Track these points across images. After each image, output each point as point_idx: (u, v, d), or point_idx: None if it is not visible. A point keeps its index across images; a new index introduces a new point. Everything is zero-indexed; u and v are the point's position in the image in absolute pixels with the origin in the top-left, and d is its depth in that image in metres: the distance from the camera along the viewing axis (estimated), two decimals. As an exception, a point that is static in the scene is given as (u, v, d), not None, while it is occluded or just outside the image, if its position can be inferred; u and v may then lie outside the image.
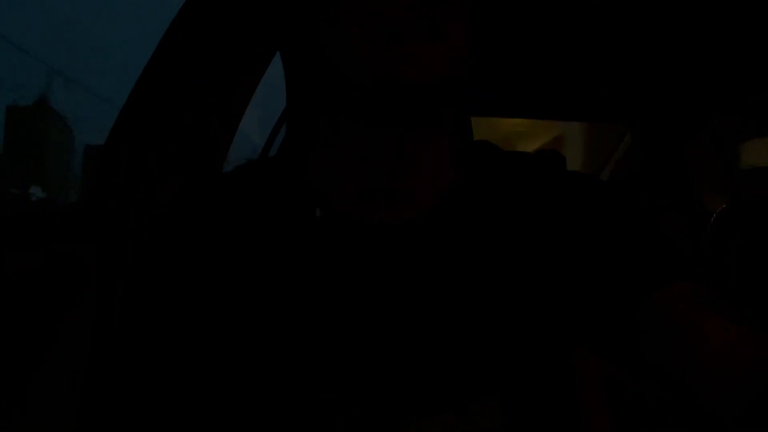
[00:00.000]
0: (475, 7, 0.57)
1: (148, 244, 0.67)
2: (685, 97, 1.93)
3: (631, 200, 0.61)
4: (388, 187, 0.59)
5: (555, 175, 0.63)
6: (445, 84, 0.54)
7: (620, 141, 2.39)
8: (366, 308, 0.55)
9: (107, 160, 0.93)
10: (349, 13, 0.53)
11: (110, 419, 0.58)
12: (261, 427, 0.54)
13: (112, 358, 0.60)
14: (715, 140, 2.12)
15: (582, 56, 1.67)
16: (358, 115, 0.57)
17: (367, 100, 0.55)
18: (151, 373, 0.58)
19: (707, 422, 0.52)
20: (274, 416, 0.54)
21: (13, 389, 0.61)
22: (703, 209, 2.16)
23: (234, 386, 0.55)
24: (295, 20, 0.58)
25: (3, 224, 0.71)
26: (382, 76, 0.52)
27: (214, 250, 0.58)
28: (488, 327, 0.55)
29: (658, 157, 2.15)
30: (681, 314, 0.53)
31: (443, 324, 0.55)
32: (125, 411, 0.58)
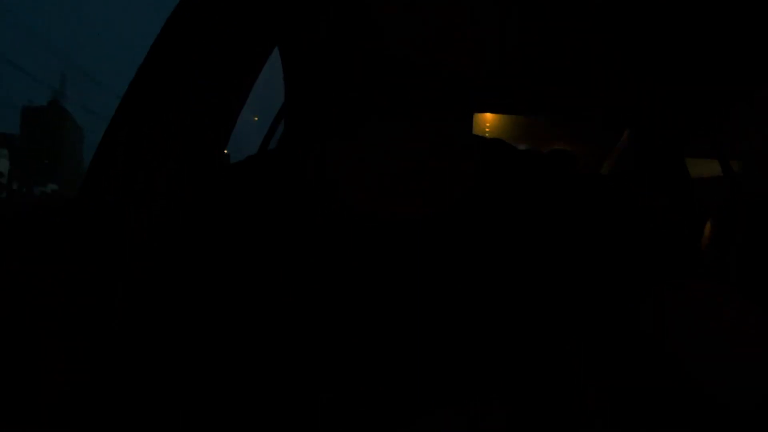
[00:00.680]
0: None
1: (147, 241, 0.67)
2: (685, 96, 1.93)
3: (632, 200, 0.61)
4: (406, 182, 0.58)
5: (564, 174, 0.63)
6: (484, 72, 0.54)
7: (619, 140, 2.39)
8: (366, 306, 0.55)
9: (105, 154, 0.93)
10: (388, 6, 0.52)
11: (111, 419, 0.58)
12: (261, 427, 0.54)
13: (112, 358, 0.60)
14: (715, 138, 2.12)
15: (582, 56, 1.67)
16: (379, 108, 0.56)
17: (399, 92, 0.54)
18: (151, 373, 0.58)
19: (713, 417, 0.52)
20: (274, 416, 0.54)
21: (13, 389, 0.61)
22: (702, 208, 2.17)
23: (234, 385, 0.55)
24: (298, 17, 0.58)
25: (3, 224, 0.71)
26: (430, 65, 0.51)
27: (214, 247, 0.58)
28: (492, 325, 0.55)
29: (657, 157, 2.15)
30: (685, 311, 0.53)
31: (446, 322, 0.55)
32: (126, 410, 0.58)
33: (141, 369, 0.58)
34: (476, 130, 0.65)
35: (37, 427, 0.60)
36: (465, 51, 0.52)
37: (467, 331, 0.55)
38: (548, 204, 0.60)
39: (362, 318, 0.55)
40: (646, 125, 2.09)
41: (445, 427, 0.53)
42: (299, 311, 0.55)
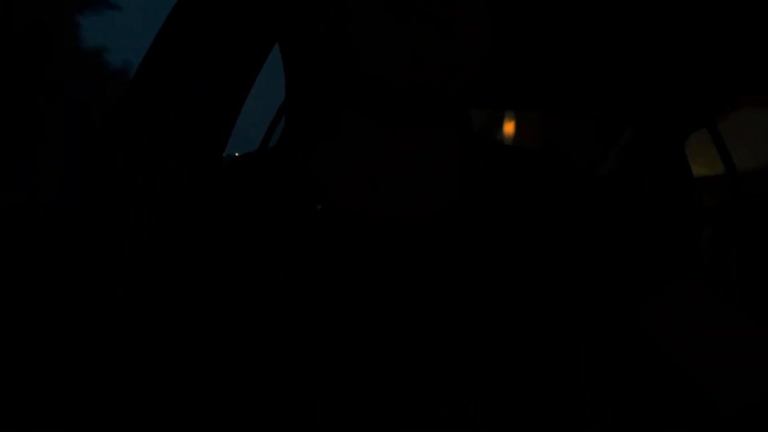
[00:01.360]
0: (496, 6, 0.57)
1: (147, 241, 0.67)
2: (685, 96, 1.92)
3: (631, 200, 0.61)
4: (395, 184, 0.58)
5: (557, 173, 0.63)
6: (459, 84, 0.54)
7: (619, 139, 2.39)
8: (366, 306, 0.55)
9: (105, 154, 0.93)
10: (362, 14, 0.52)
11: (111, 418, 0.58)
12: (261, 427, 0.54)
13: (112, 358, 0.60)
14: (716, 137, 2.12)
15: (582, 56, 1.67)
16: (368, 112, 0.57)
17: (377, 100, 0.54)
18: (151, 372, 0.58)
19: (713, 417, 0.52)
20: (274, 415, 0.54)
21: (14, 389, 0.61)
22: (702, 208, 2.16)
23: (234, 385, 0.55)
24: (297, 17, 0.58)
25: (3, 224, 0.71)
26: (396, 80, 0.52)
27: (213, 245, 0.58)
28: (489, 326, 0.55)
29: (657, 156, 2.14)
30: (684, 311, 0.53)
31: (444, 322, 0.55)
32: (126, 410, 0.58)
33: (141, 369, 0.58)
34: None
35: (37, 427, 0.60)
36: (439, 69, 0.52)
37: (466, 331, 0.55)
38: (540, 203, 0.60)
39: (362, 317, 0.55)
40: (647, 125, 2.09)
41: (446, 426, 0.53)
42: (299, 310, 0.55)
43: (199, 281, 0.58)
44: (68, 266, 0.68)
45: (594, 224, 0.59)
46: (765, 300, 0.61)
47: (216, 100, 1.10)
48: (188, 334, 0.57)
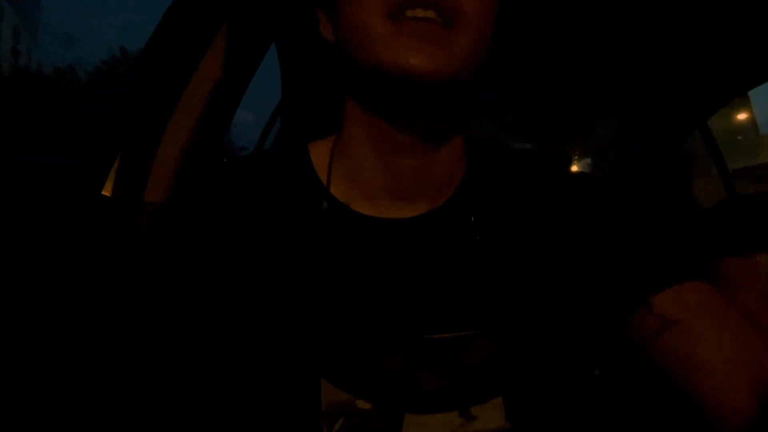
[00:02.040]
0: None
1: (147, 241, 0.67)
2: (683, 96, 1.93)
3: (633, 201, 0.61)
4: (395, 184, 0.58)
5: (560, 174, 0.63)
6: (461, 80, 0.54)
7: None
8: (370, 304, 0.55)
9: (104, 155, 0.93)
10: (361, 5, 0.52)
11: (111, 417, 0.58)
12: (262, 424, 0.54)
13: (113, 357, 0.60)
14: (708, 138, 2.12)
15: (582, 56, 1.67)
16: (370, 108, 0.56)
17: (380, 95, 0.54)
18: (150, 372, 0.58)
19: (712, 417, 0.52)
20: (275, 413, 0.54)
21: (14, 389, 0.61)
22: (699, 207, 2.17)
23: (235, 382, 0.55)
24: (296, 15, 0.58)
25: (3, 225, 0.71)
26: (398, 73, 0.51)
27: (212, 245, 0.58)
28: (491, 325, 0.55)
29: (655, 156, 2.15)
30: (683, 317, 0.53)
31: (446, 320, 0.55)
32: (125, 410, 0.58)
33: (140, 369, 0.58)
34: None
35: (37, 427, 0.60)
36: (438, 60, 0.51)
37: (470, 329, 0.55)
38: (542, 204, 0.60)
39: (366, 314, 0.55)
40: (646, 125, 2.09)
41: (447, 425, 0.53)
42: (302, 307, 0.55)
43: (199, 282, 0.58)
44: (68, 266, 0.68)
45: (597, 225, 0.59)
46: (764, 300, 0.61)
47: (212, 99, 1.10)
48: (188, 334, 0.57)
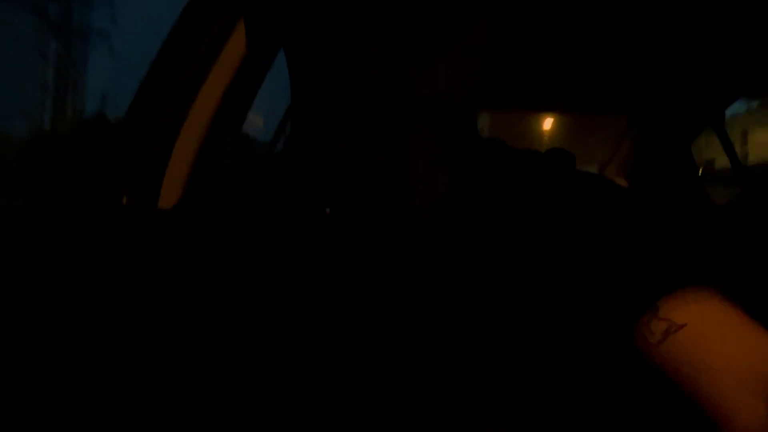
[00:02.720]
0: (504, 14, 0.54)
1: (147, 243, 0.67)
2: (688, 94, 1.92)
3: (638, 202, 0.61)
4: (393, 188, 0.58)
5: (564, 174, 0.62)
6: (462, 95, 0.53)
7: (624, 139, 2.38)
8: (363, 310, 0.55)
9: (108, 158, 0.94)
10: (359, 19, 0.50)
11: (110, 419, 0.58)
12: (260, 428, 0.54)
13: (112, 358, 0.60)
14: (723, 137, 2.11)
15: (582, 56, 1.67)
16: (364, 113, 0.56)
17: (373, 104, 0.54)
18: (151, 373, 0.58)
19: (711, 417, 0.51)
20: (274, 418, 0.54)
21: (14, 389, 0.62)
22: (709, 206, 2.16)
23: (233, 387, 0.55)
24: (297, 16, 0.57)
25: (4, 226, 0.71)
26: (392, 89, 0.51)
27: (217, 249, 0.59)
28: (493, 331, 0.55)
29: (662, 155, 2.14)
30: (690, 321, 0.52)
31: (448, 329, 0.54)
32: (125, 410, 0.58)
33: (141, 369, 0.59)
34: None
35: (37, 427, 0.60)
36: (436, 72, 0.50)
37: (472, 336, 0.55)
38: (547, 205, 0.60)
39: (366, 322, 0.55)
40: (651, 123, 2.09)
41: (443, 426, 0.53)
42: (303, 313, 0.55)
43: (201, 284, 0.58)
44: (69, 266, 0.68)
45: (602, 227, 0.59)
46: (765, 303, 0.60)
47: (223, 102, 1.11)
48: (189, 335, 0.58)
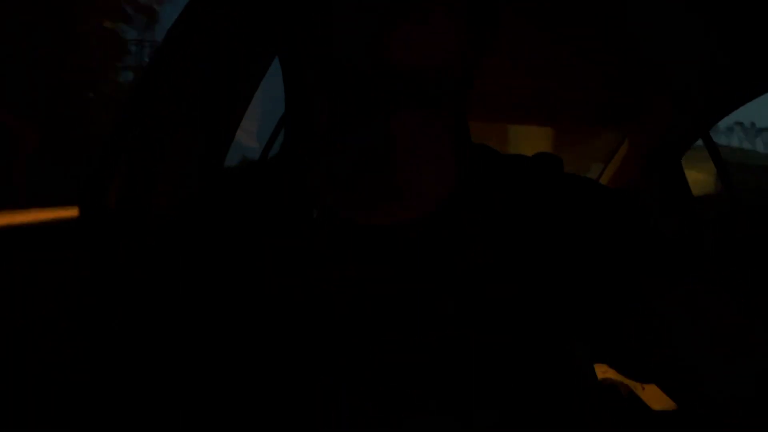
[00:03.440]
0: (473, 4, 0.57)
1: (147, 245, 0.67)
2: (686, 96, 1.93)
3: (629, 203, 0.61)
4: (382, 188, 0.58)
5: (553, 177, 0.63)
6: (440, 73, 0.54)
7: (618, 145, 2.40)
8: (362, 310, 0.55)
9: (108, 159, 0.94)
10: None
11: (110, 419, 0.58)
12: (260, 427, 0.54)
13: (112, 358, 0.60)
14: (710, 144, 2.13)
15: (582, 59, 1.68)
16: (353, 103, 0.56)
17: (359, 88, 0.54)
18: (150, 373, 0.58)
19: (711, 417, 0.52)
20: (273, 417, 0.54)
21: (14, 389, 0.62)
22: (701, 212, 2.17)
23: (231, 387, 0.55)
24: (291, 15, 0.58)
25: (4, 227, 0.71)
26: (371, 63, 0.51)
27: (211, 251, 0.59)
28: (493, 331, 0.55)
29: (656, 161, 2.15)
30: (678, 319, 0.53)
31: (448, 329, 0.55)
32: (125, 410, 0.58)
33: (141, 369, 0.58)
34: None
35: (37, 427, 0.60)
36: (417, 52, 0.51)
37: (464, 334, 0.55)
38: (535, 207, 0.60)
39: (358, 321, 0.55)
40: (645, 130, 2.10)
41: (444, 428, 0.53)
42: (295, 314, 0.55)
43: (198, 285, 0.58)
44: (69, 266, 0.68)
45: (592, 227, 0.59)
46: (762, 300, 0.61)
47: (219, 108, 1.11)
48: (188, 336, 0.58)
